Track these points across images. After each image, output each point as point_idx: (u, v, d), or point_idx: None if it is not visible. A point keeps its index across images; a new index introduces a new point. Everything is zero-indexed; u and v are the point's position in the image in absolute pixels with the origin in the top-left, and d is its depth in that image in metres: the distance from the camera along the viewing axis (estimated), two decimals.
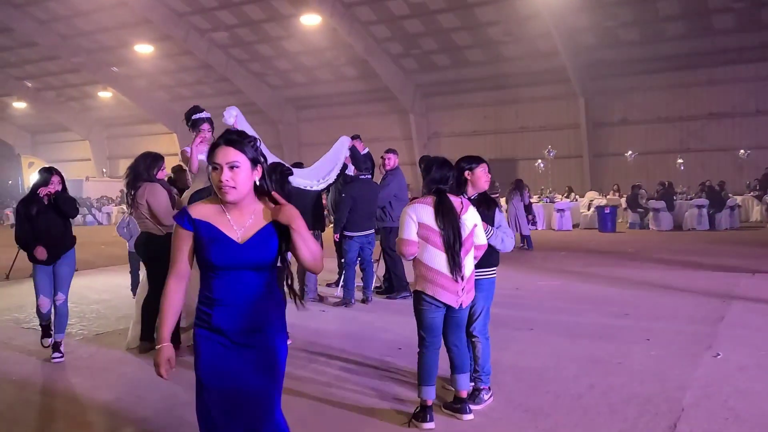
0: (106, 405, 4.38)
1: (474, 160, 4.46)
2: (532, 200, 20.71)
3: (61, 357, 5.51)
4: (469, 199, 4.27)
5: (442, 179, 4.03)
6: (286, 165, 6.39)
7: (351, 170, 8.00)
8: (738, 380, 4.58)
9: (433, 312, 3.91)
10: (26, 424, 4.14)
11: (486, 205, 4.35)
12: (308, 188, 7.43)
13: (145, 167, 5.61)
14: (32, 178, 24.51)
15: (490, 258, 4.25)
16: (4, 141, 40.35)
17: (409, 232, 3.89)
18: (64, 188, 5.59)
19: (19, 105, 36.33)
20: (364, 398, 4.39)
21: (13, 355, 5.81)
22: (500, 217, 4.39)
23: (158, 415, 4.19)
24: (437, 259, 3.86)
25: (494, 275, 4.38)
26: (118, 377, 5.06)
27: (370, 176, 7.97)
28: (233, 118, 6.40)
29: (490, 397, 4.25)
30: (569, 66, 23.25)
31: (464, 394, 4.05)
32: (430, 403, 3.91)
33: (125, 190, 5.85)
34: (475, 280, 4.11)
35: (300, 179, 7.30)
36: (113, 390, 4.70)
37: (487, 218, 4.27)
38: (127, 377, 5.05)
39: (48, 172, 5.52)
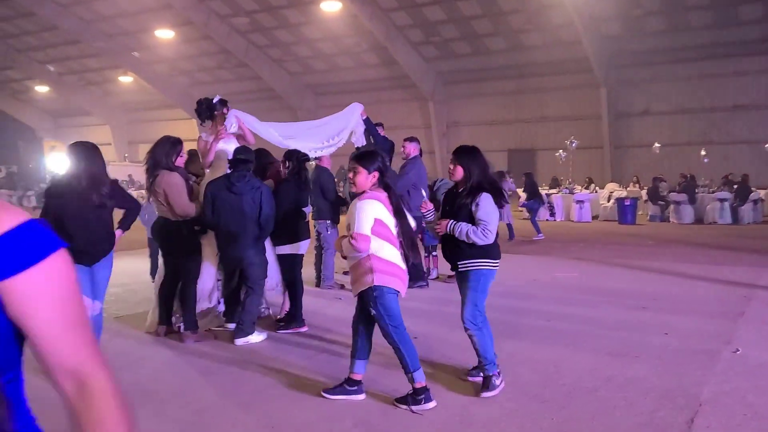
0: (124, 386, 4.44)
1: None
2: (551, 191, 20.64)
3: None
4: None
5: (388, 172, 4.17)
6: (302, 151, 6.33)
7: (361, 141, 7.63)
8: (757, 377, 4.53)
9: (397, 301, 4.06)
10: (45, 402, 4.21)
11: (467, 197, 4.25)
12: (313, 152, 6.99)
13: (164, 154, 5.50)
14: (53, 161, 24.79)
15: (470, 249, 4.20)
16: (27, 124, 40.83)
17: (368, 227, 3.87)
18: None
19: (42, 89, 36.71)
20: (379, 386, 4.40)
21: None
22: (479, 211, 4.19)
23: (175, 397, 4.24)
24: (393, 253, 3.98)
25: (481, 266, 4.26)
26: (136, 360, 5.12)
27: (389, 163, 7.88)
28: (235, 125, 6.28)
29: (502, 382, 4.24)
30: (591, 55, 22.95)
31: (358, 376, 4.16)
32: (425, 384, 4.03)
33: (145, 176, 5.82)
34: (460, 271, 4.25)
35: (304, 142, 6.86)
36: (131, 372, 4.76)
37: (464, 211, 4.21)
38: (145, 360, 5.11)
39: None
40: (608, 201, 20.05)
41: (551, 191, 20.71)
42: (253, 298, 5.58)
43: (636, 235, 14.62)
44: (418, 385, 3.96)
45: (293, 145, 6.52)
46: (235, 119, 6.23)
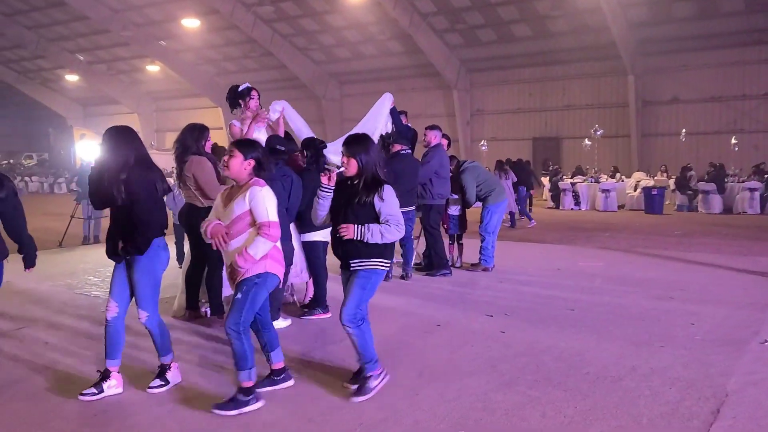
0: (152, 367, 4.53)
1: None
2: (575, 180, 20.44)
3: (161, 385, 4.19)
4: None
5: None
6: (319, 139, 6.37)
7: (386, 129, 7.74)
8: None
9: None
10: (73, 380, 4.31)
11: (366, 192, 3.94)
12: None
13: (193, 140, 5.54)
14: (83, 149, 25.25)
15: (367, 248, 3.94)
16: (57, 113, 41.55)
17: (276, 213, 3.81)
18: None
19: (72, 78, 37.26)
20: (404, 373, 4.44)
21: (69, 320, 6.05)
22: (386, 206, 3.92)
23: (202, 379, 4.32)
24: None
25: (375, 266, 4.00)
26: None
27: (410, 152, 7.88)
28: (278, 113, 6.37)
29: (381, 381, 4.03)
30: (619, 42, 22.56)
31: (245, 386, 3.81)
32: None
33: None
34: (357, 269, 3.99)
35: (333, 156, 6.82)
36: (155, 352, 4.85)
37: (367, 209, 3.93)
38: (172, 343, 5.19)
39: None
40: (635, 190, 19.82)
41: (575, 180, 20.51)
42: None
43: (663, 225, 14.44)
44: (248, 384, 3.80)
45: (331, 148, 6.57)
46: (281, 110, 6.32)
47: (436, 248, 8.07)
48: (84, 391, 3.97)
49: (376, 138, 7.55)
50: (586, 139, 22.69)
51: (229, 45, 30.45)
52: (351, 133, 7.65)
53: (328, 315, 5.97)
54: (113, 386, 4.05)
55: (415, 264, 8.42)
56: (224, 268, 5.73)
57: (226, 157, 3.89)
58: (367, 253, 3.97)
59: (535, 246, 11.10)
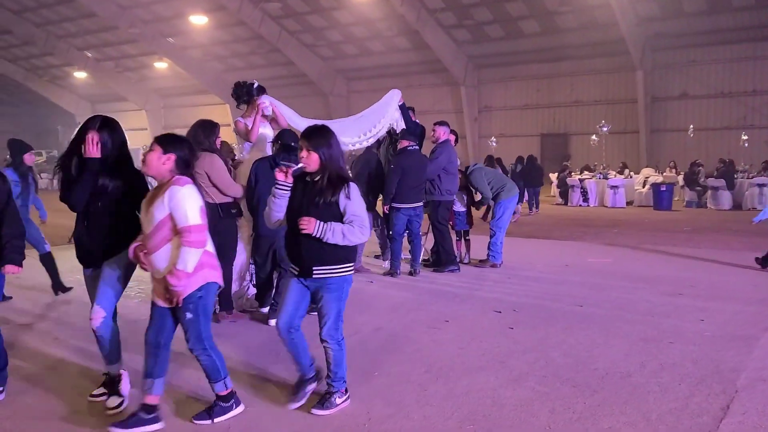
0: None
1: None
2: (584, 176, 20.36)
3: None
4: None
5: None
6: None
7: (399, 126, 7.78)
8: None
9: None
10: (85, 374, 4.34)
11: (331, 190, 3.54)
12: (349, 146, 7.12)
13: (205, 136, 5.47)
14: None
15: (336, 252, 3.57)
16: (66, 110, 41.75)
17: (200, 215, 3.41)
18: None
19: (80, 75, 37.45)
20: (412, 368, 4.44)
21: (79, 316, 6.09)
22: (352, 205, 3.55)
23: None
24: (210, 242, 3.54)
25: (345, 272, 3.67)
26: (175, 338, 5.22)
27: (418, 147, 7.88)
28: (268, 108, 6.33)
29: (345, 401, 3.76)
30: (628, 37, 22.46)
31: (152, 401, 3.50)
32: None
33: None
34: (323, 278, 3.60)
35: (339, 137, 7.04)
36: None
37: (332, 209, 3.55)
38: (182, 338, 5.21)
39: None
40: (643, 186, 19.71)
41: (584, 176, 20.43)
42: (286, 279, 5.65)
43: (672, 221, 14.36)
44: (226, 392, 3.63)
45: None
46: (269, 103, 6.29)
47: (444, 244, 8.06)
48: (109, 405, 3.75)
49: (377, 131, 7.51)
50: (594, 135, 22.60)
51: (237, 42, 30.49)
52: (340, 120, 7.61)
53: None
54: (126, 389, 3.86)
55: (423, 260, 8.41)
56: (233, 265, 5.79)
57: (142, 153, 3.55)
58: (335, 258, 3.58)
59: (543, 242, 11.07)
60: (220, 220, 5.58)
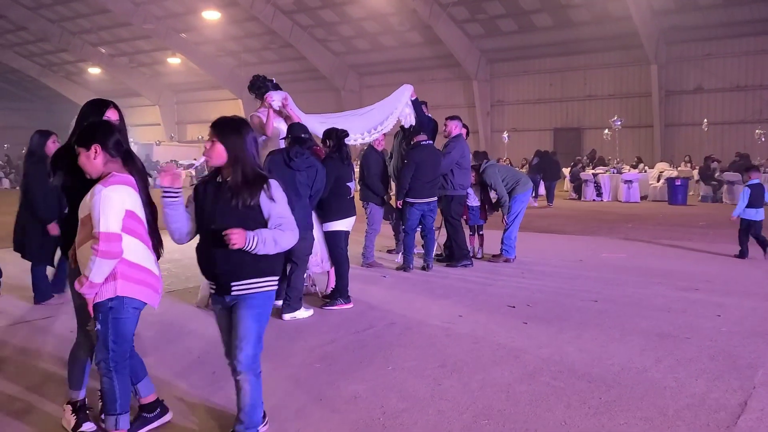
0: (173, 354, 4.58)
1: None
2: (597, 171, 20.24)
3: None
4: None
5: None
6: (340, 128, 6.37)
7: (410, 121, 7.78)
8: None
9: (135, 321, 3.13)
10: None
11: (248, 191, 2.99)
12: (356, 142, 7.21)
13: None
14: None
15: (258, 263, 3.03)
16: (81, 105, 42.03)
17: (117, 223, 2.91)
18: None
19: (94, 71, 37.68)
20: (426, 363, 4.44)
21: None
22: (277, 206, 3.04)
23: (226, 368, 4.35)
24: (144, 254, 3.08)
25: (270, 287, 3.13)
26: (188, 332, 5.27)
27: (431, 142, 7.87)
28: (278, 102, 6.35)
29: None
30: (642, 31, 22.26)
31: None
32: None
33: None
34: (245, 294, 3.05)
35: (358, 135, 7.11)
36: (183, 343, 4.91)
37: (255, 212, 3.02)
38: (196, 332, 5.25)
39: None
40: (658, 181, 19.58)
41: (597, 171, 20.32)
42: (298, 273, 5.67)
43: (687, 216, 14.25)
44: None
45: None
46: (282, 98, 6.31)
47: (457, 239, 8.05)
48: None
49: (387, 124, 7.51)
50: (606, 130, 22.46)
51: (249, 37, 30.55)
52: (349, 113, 7.61)
53: (350, 305, 5.98)
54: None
55: (436, 255, 8.40)
56: None
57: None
58: (257, 271, 3.05)
59: (556, 237, 11.02)
60: None
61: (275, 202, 3.02)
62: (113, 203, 2.88)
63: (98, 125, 3.15)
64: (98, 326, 3.01)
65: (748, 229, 8.57)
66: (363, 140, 7.38)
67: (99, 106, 3.51)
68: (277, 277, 3.15)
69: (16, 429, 3.44)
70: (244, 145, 3.02)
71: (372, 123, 7.37)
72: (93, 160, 3.01)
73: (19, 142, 32.06)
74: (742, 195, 8.64)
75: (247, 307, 3.05)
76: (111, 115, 3.46)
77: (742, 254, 8.55)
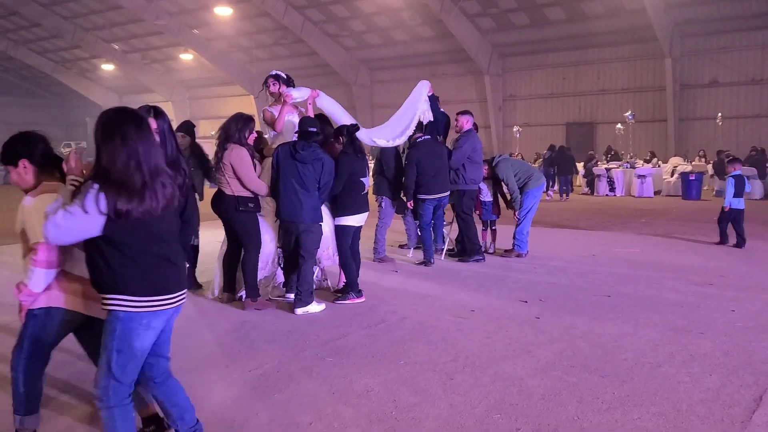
0: (186, 347, 4.61)
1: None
2: (610, 165, 20.12)
3: None
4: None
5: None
6: (350, 123, 6.38)
7: (428, 117, 7.79)
8: None
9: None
10: None
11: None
12: (389, 142, 7.39)
13: (236, 129, 5.58)
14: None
15: (104, 273, 2.64)
16: (94, 102, 42.32)
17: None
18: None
19: (108, 67, 37.87)
20: (438, 357, 4.44)
21: None
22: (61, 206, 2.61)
23: (239, 361, 4.38)
24: (82, 265, 2.86)
25: (114, 306, 2.66)
26: (202, 326, 5.30)
27: (429, 137, 7.79)
28: (300, 96, 6.39)
29: None
30: (656, 24, 22.04)
31: None
32: None
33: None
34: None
35: (376, 138, 7.26)
36: (197, 337, 4.94)
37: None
38: (210, 326, 5.28)
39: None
40: (672, 176, 19.43)
41: (610, 165, 20.20)
42: (306, 266, 5.68)
43: (701, 211, 14.13)
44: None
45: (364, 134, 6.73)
46: (309, 95, 6.36)
47: (469, 234, 8.03)
48: None
49: (412, 126, 7.54)
50: (618, 124, 22.30)
51: (261, 32, 30.59)
52: (388, 123, 7.74)
53: (362, 299, 5.99)
54: None
55: (448, 250, 8.39)
56: (259, 253, 5.85)
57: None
58: (96, 284, 2.72)
59: (569, 232, 10.97)
60: (236, 213, 5.63)
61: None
62: (41, 211, 2.67)
63: (18, 139, 3.07)
64: (22, 328, 3.05)
65: (730, 216, 9.11)
66: (392, 143, 7.48)
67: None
68: (128, 296, 2.64)
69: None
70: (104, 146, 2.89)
71: (394, 133, 7.47)
72: (22, 175, 3.02)
73: None
74: (728, 185, 9.18)
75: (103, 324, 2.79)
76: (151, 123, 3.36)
77: (723, 241, 9.22)
